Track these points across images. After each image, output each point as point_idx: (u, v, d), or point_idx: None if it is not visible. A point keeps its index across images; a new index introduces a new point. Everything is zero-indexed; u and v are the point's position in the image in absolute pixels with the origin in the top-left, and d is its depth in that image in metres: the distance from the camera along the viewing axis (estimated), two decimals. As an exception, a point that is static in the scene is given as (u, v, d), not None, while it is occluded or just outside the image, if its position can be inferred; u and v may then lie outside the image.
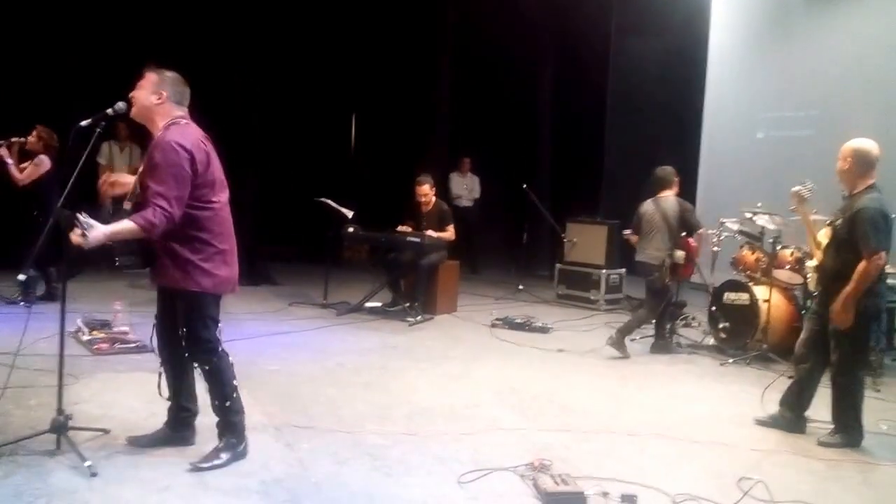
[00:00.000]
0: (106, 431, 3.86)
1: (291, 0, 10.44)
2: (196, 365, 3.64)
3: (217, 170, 3.57)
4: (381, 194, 10.95)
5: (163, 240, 3.46)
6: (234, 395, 3.62)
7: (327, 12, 11.21)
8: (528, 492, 3.48)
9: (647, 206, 6.66)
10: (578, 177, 11.68)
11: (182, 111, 3.58)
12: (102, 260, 3.60)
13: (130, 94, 3.55)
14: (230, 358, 3.65)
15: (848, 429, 4.41)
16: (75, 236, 3.26)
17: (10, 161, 6.94)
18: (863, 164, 4.38)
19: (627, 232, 7.05)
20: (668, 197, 6.63)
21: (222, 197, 3.58)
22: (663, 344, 6.73)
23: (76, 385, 4.61)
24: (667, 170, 6.78)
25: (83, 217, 3.23)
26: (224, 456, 3.56)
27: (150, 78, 3.53)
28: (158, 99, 3.50)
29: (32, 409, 4.17)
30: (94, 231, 3.24)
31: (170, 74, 3.57)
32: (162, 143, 3.39)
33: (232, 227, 3.64)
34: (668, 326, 6.81)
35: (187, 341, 3.54)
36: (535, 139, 12.21)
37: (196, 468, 3.48)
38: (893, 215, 4.43)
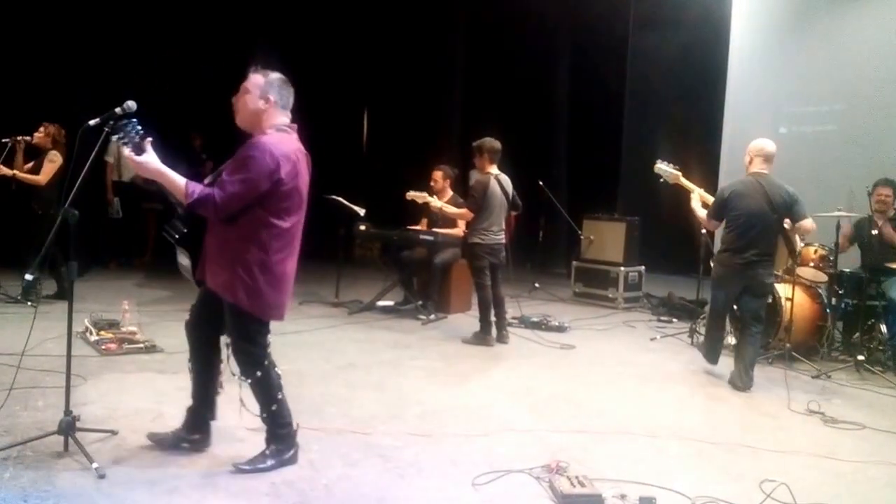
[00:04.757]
0: (114, 433, 3.82)
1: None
2: (239, 376, 3.53)
3: (299, 191, 3.44)
4: (394, 191, 10.88)
5: (217, 238, 3.40)
6: (274, 408, 3.52)
7: (339, 6, 11.17)
8: (543, 494, 3.40)
9: (493, 183, 6.46)
10: (595, 173, 11.55)
11: (287, 117, 3.50)
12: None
13: (234, 99, 3.47)
14: (277, 369, 3.57)
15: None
16: (132, 156, 3.29)
17: (13, 172, 6.90)
18: (747, 154, 5.53)
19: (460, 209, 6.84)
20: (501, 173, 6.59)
21: (292, 219, 3.44)
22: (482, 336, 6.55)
23: (84, 386, 4.57)
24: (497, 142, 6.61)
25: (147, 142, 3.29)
26: (269, 462, 3.51)
27: (257, 81, 3.44)
28: (266, 104, 3.43)
29: (40, 410, 4.13)
30: (150, 156, 3.28)
31: (275, 77, 3.48)
32: (258, 143, 3.32)
33: (296, 252, 3.54)
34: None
35: (232, 352, 3.50)
36: (551, 134, 12.10)
37: (238, 469, 3.44)
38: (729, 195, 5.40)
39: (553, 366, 5.94)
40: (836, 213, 6.29)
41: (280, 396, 3.56)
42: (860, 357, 5.95)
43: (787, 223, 5.42)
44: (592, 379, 5.57)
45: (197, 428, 3.70)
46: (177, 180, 3.28)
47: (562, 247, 11.08)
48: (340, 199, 7.95)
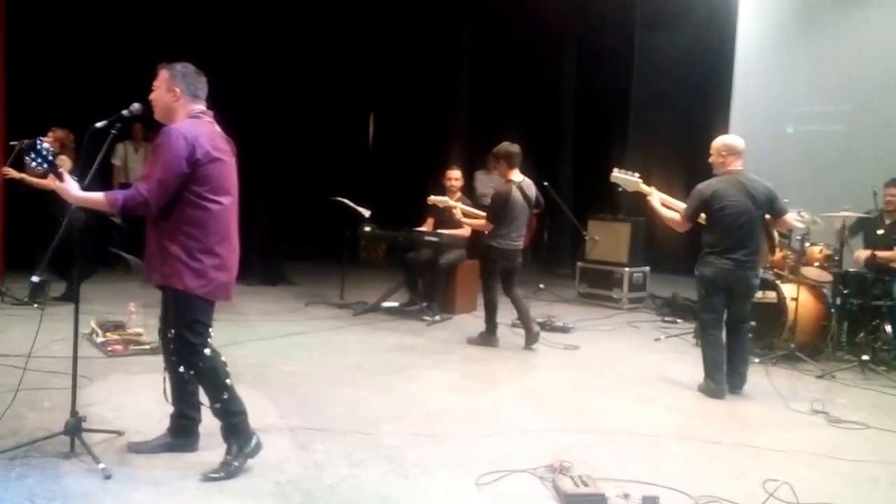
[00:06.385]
0: (120, 433, 3.84)
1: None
2: (182, 368, 3.54)
3: (224, 170, 3.47)
4: (399, 193, 10.91)
5: (155, 232, 3.43)
6: (226, 397, 3.50)
7: (344, 8, 11.19)
8: (547, 493, 3.41)
9: (514, 193, 6.35)
10: (600, 173, 11.49)
11: (200, 105, 3.54)
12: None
13: (150, 98, 3.53)
14: (222, 357, 3.55)
15: (706, 378, 5.23)
16: (64, 185, 3.34)
17: (21, 176, 6.95)
18: (717, 154, 5.31)
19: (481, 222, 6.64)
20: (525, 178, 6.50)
21: (224, 199, 3.45)
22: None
23: (90, 387, 4.59)
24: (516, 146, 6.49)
25: (64, 172, 3.33)
26: (235, 464, 3.48)
27: (162, 76, 3.50)
28: (173, 95, 3.47)
29: (46, 411, 4.15)
30: (69, 186, 3.32)
31: (180, 68, 3.51)
32: (168, 130, 3.37)
33: (234, 233, 3.55)
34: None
35: (173, 343, 3.49)
36: (556, 135, 12.09)
37: (207, 478, 3.42)
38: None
39: (557, 366, 5.95)
40: (843, 213, 6.29)
41: (229, 383, 3.52)
42: (865, 357, 5.92)
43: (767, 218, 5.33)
44: (596, 379, 5.58)
45: (181, 431, 3.71)
46: (97, 198, 3.34)
47: (566, 247, 11.07)
48: (346, 200, 7.97)
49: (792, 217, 5.32)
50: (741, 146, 5.27)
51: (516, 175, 6.43)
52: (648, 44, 11.29)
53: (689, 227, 5.37)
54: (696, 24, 10.27)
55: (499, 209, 6.33)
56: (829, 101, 8.41)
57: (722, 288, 5.18)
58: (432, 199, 7.13)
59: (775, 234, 5.57)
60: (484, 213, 6.70)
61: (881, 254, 6.25)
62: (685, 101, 10.78)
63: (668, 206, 5.50)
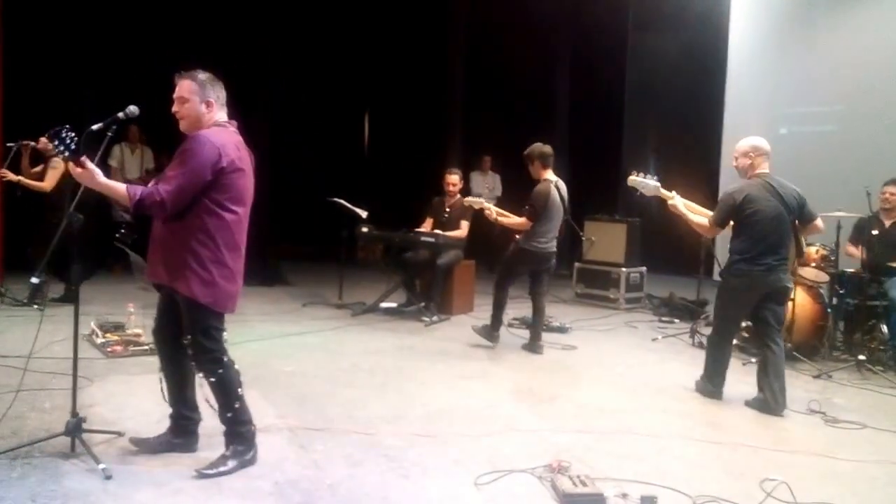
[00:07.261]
0: (120, 434, 3.84)
1: (304, -2, 10.45)
2: (201, 375, 3.55)
3: (244, 181, 3.49)
4: (396, 193, 10.92)
5: (165, 233, 3.43)
6: (237, 406, 3.52)
7: (340, 9, 11.20)
8: (546, 493, 3.42)
9: (553, 191, 6.23)
10: (596, 174, 11.57)
11: (225, 112, 3.54)
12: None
13: (174, 111, 3.48)
14: (236, 366, 3.57)
15: (704, 379, 5.21)
16: (75, 169, 3.32)
17: (18, 178, 6.95)
18: (745, 156, 5.08)
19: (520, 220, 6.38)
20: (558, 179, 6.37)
21: (240, 209, 3.47)
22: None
23: (90, 388, 4.61)
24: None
25: (86, 159, 3.32)
26: (231, 463, 3.49)
27: (191, 87, 3.44)
28: (208, 106, 3.47)
29: (46, 411, 4.16)
30: (93, 172, 3.31)
31: (205, 76, 3.49)
32: (197, 136, 3.37)
33: (243, 244, 3.55)
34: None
35: (191, 349, 3.48)
36: (551, 136, 12.06)
37: (201, 475, 3.43)
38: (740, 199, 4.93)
39: (555, 366, 5.96)
40: (837, 214, 6.32)
41: (241, 393, 3.54)
42: (861, 357, 5.96)
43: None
44: (594, 379, 5.60)
45: (181, 431, 3.72)
46: (118, 188, 3.35)
47: (563, 248, 11.07)
48: (342, 201, 7.98)
49: (820, 223, 5.12)
50: (768, 148, 5.06)
51: (550, 175, 6.35)
52: (641, 45, 11.35)
53: (718, 233, 5.25)
54: (689, 26, 10.33)
55: (539, 206, 6.18)
56: (822, 102, 8.45)
57: (752, 299, 4.96)
58: (468, 200, 7.21)
59: (803, 239, 5.38)
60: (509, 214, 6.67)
61: None
62: (678, 102, 10.84)
63: (691, 210, 5.31)
